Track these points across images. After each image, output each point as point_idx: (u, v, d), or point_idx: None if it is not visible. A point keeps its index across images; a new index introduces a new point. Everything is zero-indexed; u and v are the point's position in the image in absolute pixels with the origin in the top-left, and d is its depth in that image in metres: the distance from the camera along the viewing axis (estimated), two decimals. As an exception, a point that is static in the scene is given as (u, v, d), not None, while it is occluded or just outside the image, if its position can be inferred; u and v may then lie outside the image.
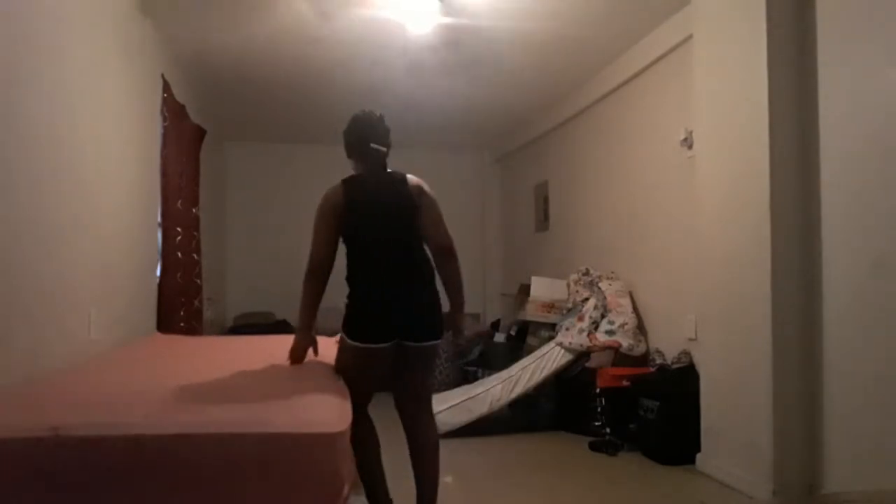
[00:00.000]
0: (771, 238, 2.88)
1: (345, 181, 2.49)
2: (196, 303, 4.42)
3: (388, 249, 2.44)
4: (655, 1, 3.71)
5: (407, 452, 2.59)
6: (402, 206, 2.46)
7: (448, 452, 3.80)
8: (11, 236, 2.10)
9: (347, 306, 2.44)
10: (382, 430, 2.59)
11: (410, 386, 2.57)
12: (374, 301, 2.41)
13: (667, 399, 3.49)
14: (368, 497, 2.51)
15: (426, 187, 2.51)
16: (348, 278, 2.47)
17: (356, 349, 2.38)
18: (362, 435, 2.42)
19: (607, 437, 3.75)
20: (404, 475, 2.45)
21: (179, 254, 4.12)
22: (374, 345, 2.38)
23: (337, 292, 2.50)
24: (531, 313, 4.85)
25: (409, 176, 2.53)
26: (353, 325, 2.40)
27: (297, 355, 2.43)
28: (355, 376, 2.35)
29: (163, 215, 3.95)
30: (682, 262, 3.83)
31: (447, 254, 2.49)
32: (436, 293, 2.50)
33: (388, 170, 2.55)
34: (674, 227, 3.98)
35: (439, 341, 2.49)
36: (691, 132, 3.67)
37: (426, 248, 2.52)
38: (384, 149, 2.55)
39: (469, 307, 8.12)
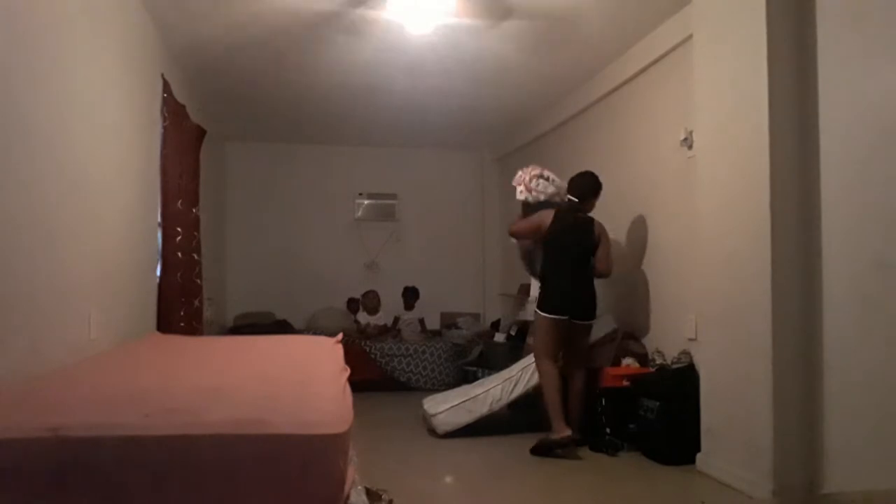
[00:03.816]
0: (771, 238, 2.88)
1: (556, 210, 3.98)
2: (196, 303, 4.42)
3: (569, 261, 3.88)
4: (655, 1, 3.71)
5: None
6: (585, 237, 3.90)
7: (448, 452, 3.83)
8: (11, 236, 2.09)
9: (541, 293, 3.95)
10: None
11: (574, 348, 3.91)
12: (559, 292, 3.86)
13: (667, 399, 3.49)
14: (549, 412, 3.74)
15: (603, 230, 3.95)
16: (542, 276, 4.01)
17: (548, 319, 3.82)
18: (548, 373, 3.80)
19: (607, 437, 3.75)
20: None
21: (179, 254, 4.12)
22: (557, 317, 3.80)
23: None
24: (531, 313, 4.84)
25: (595, 222, 3.94)
26: (547, 305, 3.85)
27: None
28: (546, 338, 3.83)
29: (163, 215, 3.95)
30: (681, 262, 3.83)
31: (604, 274, 3.97)
32: (594, 292, 3.89)
33: (586, 214, 3.98)
34: (673, 227, 3.98)
35: (593, 321, 3.91)
36: (691, 132, 3.67)
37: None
38: (576, 200, 3.96)
39: (469, 307, 8.10)
